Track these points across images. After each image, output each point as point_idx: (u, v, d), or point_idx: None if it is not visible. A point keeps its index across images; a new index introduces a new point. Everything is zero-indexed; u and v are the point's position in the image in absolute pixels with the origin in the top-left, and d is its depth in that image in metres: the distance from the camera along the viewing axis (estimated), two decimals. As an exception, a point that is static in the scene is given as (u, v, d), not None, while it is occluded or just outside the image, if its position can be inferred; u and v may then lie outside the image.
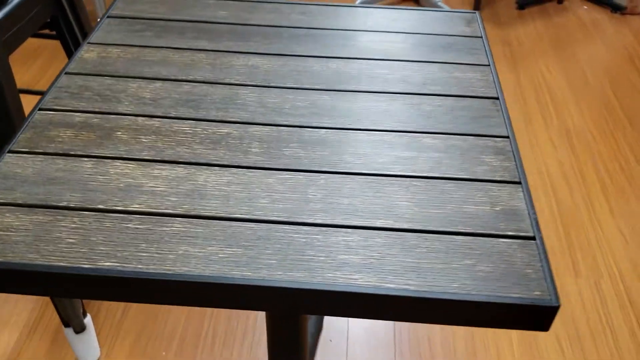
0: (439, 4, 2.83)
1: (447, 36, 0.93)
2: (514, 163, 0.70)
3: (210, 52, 0.88)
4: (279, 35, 0.92)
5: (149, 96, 0.79)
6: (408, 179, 0.68)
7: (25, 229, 0.61)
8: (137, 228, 0.61)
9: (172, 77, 0.83)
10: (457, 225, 0.63)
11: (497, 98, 0.81)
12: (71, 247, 0.59)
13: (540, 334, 1.47)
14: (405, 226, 0.62)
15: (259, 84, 0.82)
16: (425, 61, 0.88)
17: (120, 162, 0.69)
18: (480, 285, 0.57)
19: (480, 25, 0.96)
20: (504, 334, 1.47)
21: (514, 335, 1.47)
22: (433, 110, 0.78)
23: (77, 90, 0.80)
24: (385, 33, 0.93)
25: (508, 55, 2.54)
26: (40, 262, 0.57)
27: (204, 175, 0.68)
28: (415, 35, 0.93)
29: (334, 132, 0.74)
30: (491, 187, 0.67)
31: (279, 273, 0.57)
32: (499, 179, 0.68)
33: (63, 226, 0.61)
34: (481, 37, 0.93)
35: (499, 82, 0.84)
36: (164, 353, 1.40)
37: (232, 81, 0.83)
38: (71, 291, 0.58)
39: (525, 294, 0.56)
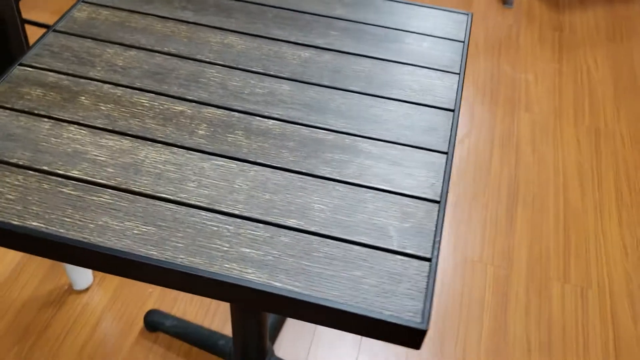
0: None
1: (427, 36, 0.93)
2: (442, 182, 0.72)
3: (192, 25, 0.92)
4: (263, 14, 0.95)
5: (121, 64, 0.84)
6: (332, 182, 0.71)
7: (-26, 180, 0.68)
8: (70, 194, 0.67)
9: (149, 47, 0.87)
10: (361, 235, 0.66)
11: (453, 110, 0.81)
12: (8, 202, 0.66)
13: (510, 332, 1.49)
14: (313, 229, 0.66)
15: (227, 64, 0.86)
16: (394, 61, 0.88)
17: (75, 127, 0.75)
18: (360, 297, 0.60)
19: (467, 29, 0.95)
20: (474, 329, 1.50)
21: (484, 330, 1.49)
22: (383, 114, 0.80)
23: (59, 49, 0.86)
24: (366, 25, 0.94)
25: (556, 42, 2.45)
26: (-22, 213, 0.65)
27: (145, 151, 0.73)
28: (396, 31, 0.93)
29: (280, 124, 0.78)
30: (409, 203, 0.70)
31: (181, 257, 0.62)
32: (419, 195, 0.70)
33: (7, 182, 0.68)
34: (463, 42, 0.93)
35: (461, 93, 0.84)
36: (150, 290, 1.50)
37: (203, 58, 0.86)
38: (2, 243, 0.66)
39: (399, 313, 0.59)
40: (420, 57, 0.89)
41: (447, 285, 1.58)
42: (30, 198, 0.67)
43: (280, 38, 0.91)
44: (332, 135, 0.77)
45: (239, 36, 0.90)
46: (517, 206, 1.79)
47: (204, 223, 0.66)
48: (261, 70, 0.85)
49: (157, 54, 0.86)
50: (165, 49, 0.87)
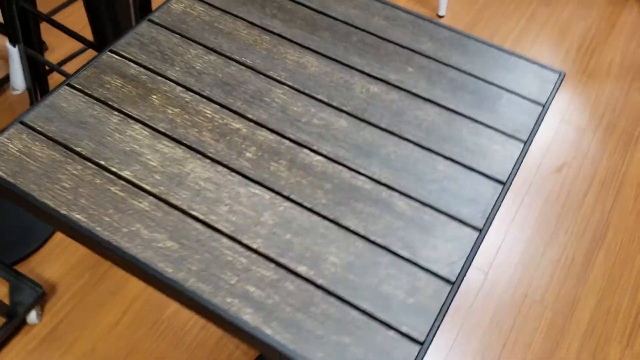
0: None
1: (507, 92, 0.89)
2: (464, 260, 0.71)
3: (275, 37, 0.94)
4: (348, 36, 0.94)
5: (198, 67, 0.89)
6: (354, 236, 0.72)
7: (41, 162, 0.76)
8: (116, 194, 0.74)
9: (228, 54, 0.91)
10: (363, 300, 0.67)
11: (503, 183, 0.78)
12: (62, 190, 0.74)
13: (549, 384, 1.44)
14: (319, 282, 0.68)
15: (295, 86, 0.87)
16: (461, 114, 0.85)
17: (139, 127, 0.81)
18: (339, 365, 0.62)
19: (552, 92, 0.89)
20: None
21: (524, 372, 1.45)
22: (430, 172, 0.79)
23: (148, 41, 0.91)
24: (447, 67, 0.91)
25: None
26: (35, 195, 0.73)
27: (193, 164, 0.78)
28: (475, 79, 0.90)
29: (324, 162, 0.79)
30: (422, 277, 0.69)
31: (192, 280, 0.67)
32: (435, 271, 0.70)
33: (67, 170, 0.76)
34: (543, 106, 0.87)
35: (519, 165, 0.81)
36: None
37: (275, 76, 0.88)
38: (48, 222, 0.74)
39: (371, 392, 0.61)
40: (490, 115, 0.86)
41: (497, 317, 1.54)
42: (81, 190, 0.74)
43: (355, 66, 0.90)
44: (370, 185, 0.77)
45: (316, 57, 0.91)
46: (599, 253, 1.68)
47: (221, 251, 0.70)
48: (325, 99, 0.86)
49: (233, 63, 0.90)
50: (243, 59, 0.90)
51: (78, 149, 0.78)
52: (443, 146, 0.82)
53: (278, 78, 0.88)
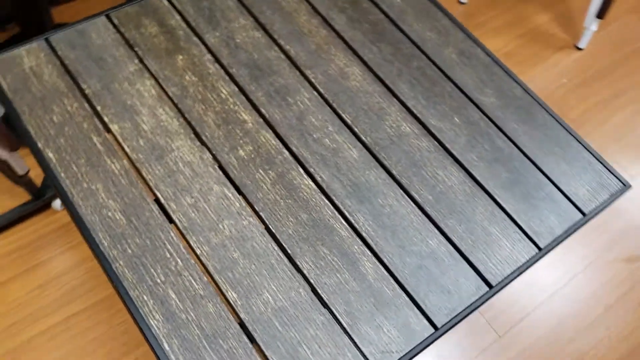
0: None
1: (555, 187, 0.76)
2: (401, 355, 0.63)
3: (332, 33, 0.85)
4: (409, 60, 0.84)
5: (238, 40, 0.83)
6: (302, 280, 0.66)
7: (44, 87, 0.75)
8: (95, 145, 0.72)
9: (275, 37, 0.84)
10: (274, 353, 0.62)
11: (489, 287, 0.68)
12: (49, 123, 0.73)
13: None
14: (242, 316, 0.63)
15: (325, 95, 0.80)
16: (487, 191, 0.75)
17: (150, 83, 0.77)
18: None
19: (603, 203, 0.76)
20: None
21: None
22: (417, 245, 0.70)
23: (204, -5, 0.86)
24: (498, 132, 0.79)
25: None
26: (23, 118, 0.72)
27: (181, 142, 0.74)
28: (526, 160, 0.78)
29: (313, 189, 0.72)
30: (348, 353, 0.63)
31: (122, 262, 0.65)
32: (365, 352, 0.63)
33: (63, 104, 0.74)
34: (584, 216, 0.74)
35: (519, 275, 0.70)
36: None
37: (310, 76, 0.81)
38: (24, 144, 0.73)
39: None
40: (518, 204, 0.74)
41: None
42: (66, 129, 0.72)
43: (399, 96, 0.81)
44: (347, 233, 0.70)
45: (363, 71, 0.83)
46: None
47: (164, 243, 0.67)
48: (349, 121, 0.78)
49: (276, 48, 0.83)
50: (287, 47, 0.83)
51: (84, 86, 0.76)
52: (447, 220, 0.72)
53: (312, 80, 0.81)
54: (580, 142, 0.81)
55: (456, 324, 0.66)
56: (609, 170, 0.79)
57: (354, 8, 0.89)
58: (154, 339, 0.61)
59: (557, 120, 0.82)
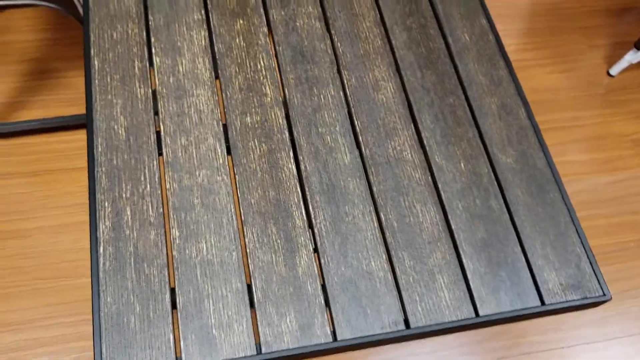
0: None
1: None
2: None
3: (386, 47, 0.87)
4: (450, 107, 0.84)
5: (297, 24, 0.88)
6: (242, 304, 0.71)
7: (119, 8, 0.86)
8: (133, 69, 0.81)
9: (332, 30, 0.88)
10: None
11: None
12: (110, 39, 0.83)
13: None
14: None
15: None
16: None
17: (204, 34, 0.85)
18: None
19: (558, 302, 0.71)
20: None
21: None
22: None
23: (290, -24, 0.92)
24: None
25: None
26: (90, 37, 0.83)
27: (203, 92, 0.81)
28: (504, 241, 0.75)
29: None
30: None
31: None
32: None
33: (128, 27, 0.84)
34: (542, 305, 0.70)
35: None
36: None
37: (339, 83, 0.84)
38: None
39: None
40: (480, 270, 0.72)
41: None
42: (118, 47, 0.83)
43: (418, 123, 0.82)
44: (302, 223, 0.73)
45: (397, 89, 0.84)
46: None
47: (143, 168, 0.74)
48: (358, 128, 0.80)
49: (328, 41, 0.87)
50: (338, 44, 0.87)
51: (150, 18, 0.86)
52: (400, 250, 0.72)
53: (345, 81, 0.84)
54: (579, 236, 0.76)
55: (357, 345, 0.67)
56: (595, 274, 0.74)
57: (420, 30, 0.90)
58: (95, 240, 0.69)
59: (566, 205, 0.78)
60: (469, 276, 0.72)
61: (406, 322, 0.69)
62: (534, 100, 1.85)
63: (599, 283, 0.74)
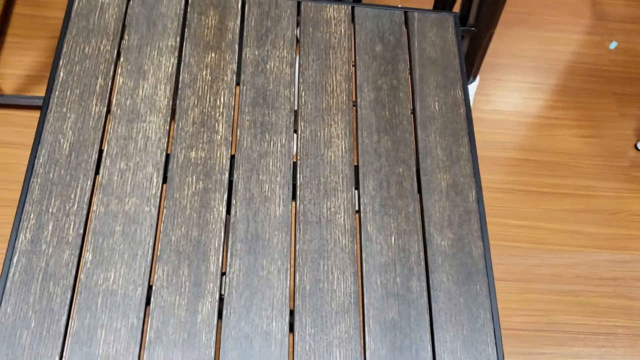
0: None
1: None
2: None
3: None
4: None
5: (268, 75, 0.88)
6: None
7: (97, 23, 0.88)
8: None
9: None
10: (75, 320, 0.68)
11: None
12: (80, 53, 0.85)
13: None
14: (80, 275, 0.71)
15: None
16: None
17: (173, 61, 0.86)
18: None
19: None
20: None
21: None
22: None
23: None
24: None
25: None
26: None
27: (153, 121, 0.82)
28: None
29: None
30: (127, 361, 0.67)
31: (38, 180, 0.76)
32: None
33: (101, 43, 0.86)
34: None
35: None
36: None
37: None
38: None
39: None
40: (381, 350, 0.71)
41: None
42: (87, 62, 0.85)
43: (360, 187, 0.80)
44: (215, 270, 0.73)
45: (348, 149, 0.83)
46: None
47: (76, 186, 0.76)
48: (299, 181, 0.80)
49: (293, 89, 0.87)
50: (303, 93, 0.87)
51: (125, 37, 0.87)
52: (305, 316, 0.72)
53: (299, 131, 0.84)
54: (494, 336, 0.74)
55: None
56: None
57: (389, 92, 0.89)
58: (12, 249, 0.72)
59: (490, 301, 0.76)
60: (367, 356, 0.71)
61: (291, 390, 0.69)
62: (552, 161, 1.80)
63: (501, 390, 0.71)
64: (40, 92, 1.71)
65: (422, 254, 0.78)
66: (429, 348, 0.72)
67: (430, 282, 0.76)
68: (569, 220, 1.71)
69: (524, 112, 1.88)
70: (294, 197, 0.79)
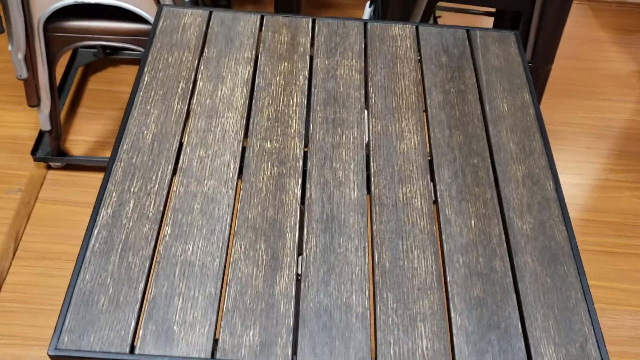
0: None
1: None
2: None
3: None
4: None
5: (338, 80, 0.91)
6: (221, 254, 0.70)
7: (180, 39, 0.94)
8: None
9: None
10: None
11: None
12: (164, 62, 0.91)
13: None
14: (159, 247, 0.71)
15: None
16: None
17: (249, 69, 0.91)
18: None
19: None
20: None
21: None
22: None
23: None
24: None
25: None
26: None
27: (231, 116, 0.85)
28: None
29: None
30: None
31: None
32: None
33: (183, 55, 0.92)
34: (533, 377, 0.62)
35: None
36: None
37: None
38: (142, 73, 0.92)
39: None
40: (468, 326, 0.66)
41: None
42: (170, 70, 0.90)
43: (435, 176, 0.80)
44: (292, 245, 0.72)
45: (420, 142, 0.83)
46: None
47: (158, 170, 0.78)
48: (372, 169, 0.80)
49: (362, 91, 0.89)
50: (372, 94, 0.89)
51: (205, 49, 0.93)
52: (386, 291, 0.68)
53: (370, 127, 0.85)
54: (590, 315, 0.69)
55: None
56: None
57: (458, 95, 0.90)
58: (93, 223, 0.73)
59: (581, 283, 0.71)
60: (454, 331, 0.67)
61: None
62: (618, 222, 1.74)
63: (604, 369, 0.65)
64: (106, 155, 1.79)
65: (503, 236, 0.75)
66: (519, 325, 0.68)
67: (515, 263, 0.73)
68: (620, 279, 1.62)
69: (583, 174, 1.85)
70: (368, 184, 0.79)
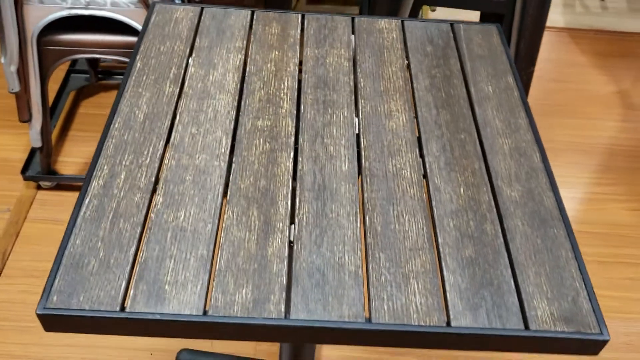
0: None
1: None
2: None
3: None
4: (460, 132, 0.84)
5: (328, 67, 0.94)
6: (213, 220, 0.70)
7: (172, 31, 0.97)
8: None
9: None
10: (145, 249, 0.67)
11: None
12: (156, 51, 0.93)
13: None
14: (151, 214, 0.70)
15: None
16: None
17: (240, 57, 0.93)
18: (70, 255, 0.65)
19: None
20: None
21: None
22: (330, 251, 0.68)
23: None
24: None
25: None
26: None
27: (223, 98, 0.86)
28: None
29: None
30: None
31: (114, 140, 0.79)
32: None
33: (175, 44, 0.94)
34: (525, 329, 0.62)
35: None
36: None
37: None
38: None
39: (52, 286, 0.62)
40: (460, 283, 0.66)
41: None
42: (161, 57, 0.92)
43: (423, 149, 0.81)
44: (284, 211, 0.72)
45: (408, 121, 0.85)
46: None
47: (149, 145, 0.79)
48: (363, 143, 0.81)
49: (352, 76, 0.91)
50: (361, 79, 0.91)
51: (197, 40, 0.96)
52: (378, 251, 0.69)
53: (360, 107, 0.87)
54: (580, 272, 0.69)
55: (310, 331, 0.62)
56: (594, 312, 0.65)
57: (444, 79, 0.93)
58: (84, 194, 0.73)
59: (570, 242, 0.72)
60: (447, 287, 0.66)
61: (368, 318, 0.64)
62: (606, 232, 1.75)
63: (597, 321, 0.65)
64: (98, 178, 1.79)
65: (492, 202, 0.76)
66: (512, 282, 0.68)
67: (505, 226, 0.73)
68: (634, 289, 1.62)
69: (571, 188, 1.87)
70: (359, 158, 0.80)
